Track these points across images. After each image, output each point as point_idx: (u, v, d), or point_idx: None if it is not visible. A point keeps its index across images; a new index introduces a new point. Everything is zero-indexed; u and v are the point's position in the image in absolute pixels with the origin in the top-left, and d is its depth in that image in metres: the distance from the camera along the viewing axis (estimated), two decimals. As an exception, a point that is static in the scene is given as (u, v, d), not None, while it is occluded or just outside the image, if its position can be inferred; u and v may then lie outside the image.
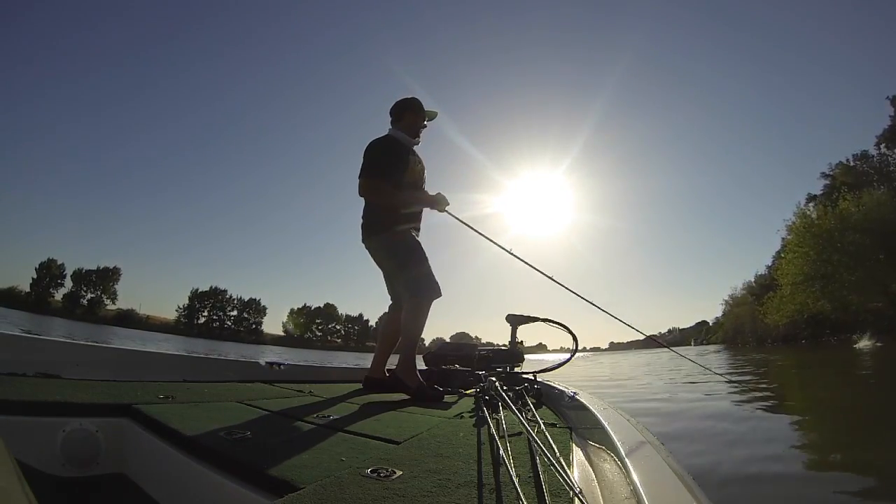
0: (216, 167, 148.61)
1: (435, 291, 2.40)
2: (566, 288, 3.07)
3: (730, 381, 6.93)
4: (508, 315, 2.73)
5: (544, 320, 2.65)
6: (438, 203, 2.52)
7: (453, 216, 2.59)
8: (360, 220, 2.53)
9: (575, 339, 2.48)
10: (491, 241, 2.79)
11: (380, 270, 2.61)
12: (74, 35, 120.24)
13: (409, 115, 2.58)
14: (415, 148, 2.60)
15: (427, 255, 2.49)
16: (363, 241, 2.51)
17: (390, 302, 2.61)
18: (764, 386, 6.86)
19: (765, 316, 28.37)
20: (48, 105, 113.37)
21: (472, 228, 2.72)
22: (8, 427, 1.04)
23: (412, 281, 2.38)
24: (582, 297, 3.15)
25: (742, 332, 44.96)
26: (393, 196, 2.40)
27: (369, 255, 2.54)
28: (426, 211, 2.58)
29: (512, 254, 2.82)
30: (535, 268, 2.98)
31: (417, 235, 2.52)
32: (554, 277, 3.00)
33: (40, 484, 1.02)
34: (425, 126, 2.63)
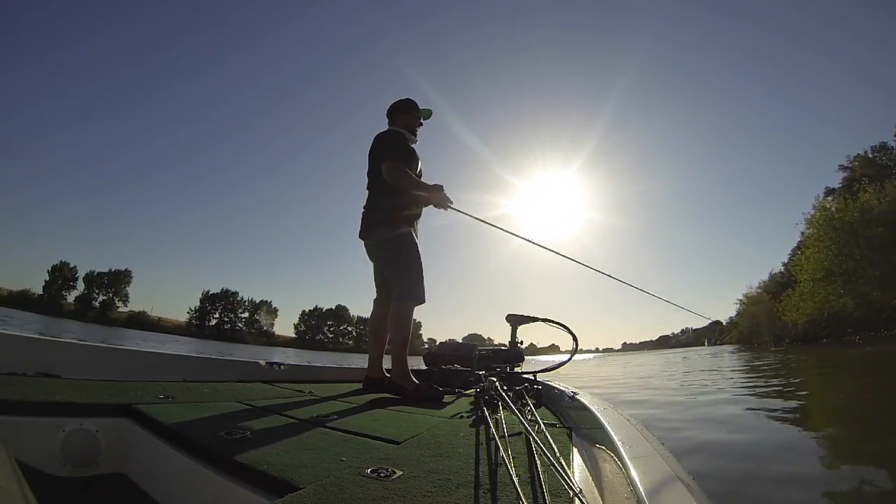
0: (228, 169, 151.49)
1: (421, 298, 2.44)
2: (601, 272, 3.19)
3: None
4: (508, 315, 2.74)
5: (544, 320, 2.64)
6: (443, 201, 2.51)
7: (460, 211, 2.58)
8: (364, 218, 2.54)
9: (575, 339, 2.47)
10: (502, 229, 2.82)
11: (371, 264, 2.63)
12: (91, 37, 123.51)
13: (406, 116, 2.63)
14: (413, 147, 2.62)
15: (423, 259, 2.50)
16: (363, 234, 2.52)
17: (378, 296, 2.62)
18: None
19: (783, 314, 27.63)
20: (63, 109, 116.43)
21: (482, 221, 2.72)
22: (8, 427, 1.05)
23: (406, 286, 2.40)
24: (627, 283, 3.30)
25: (758, 331, 43.86)
26: (417, 183, 2.46)
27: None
28: (437, 211, 2.57)
29: (533, 242, 2.86)
30: (561, 254, 3.04)
31: (417, 236, 2.53)
32: (591, 266, 3.11)
33: (40, 484, 1.02)
34: (421, 124, 2.68)
